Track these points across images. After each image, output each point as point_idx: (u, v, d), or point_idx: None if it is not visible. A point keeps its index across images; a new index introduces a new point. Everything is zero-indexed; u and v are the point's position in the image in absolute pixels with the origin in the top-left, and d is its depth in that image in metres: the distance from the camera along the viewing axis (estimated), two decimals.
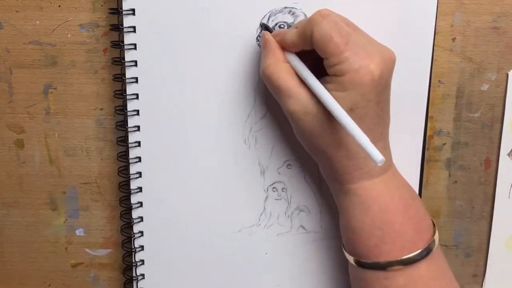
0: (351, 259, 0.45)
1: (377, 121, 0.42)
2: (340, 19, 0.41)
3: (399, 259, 0.42)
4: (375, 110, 0.42)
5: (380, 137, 0.43)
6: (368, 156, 0.39)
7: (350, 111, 0.40)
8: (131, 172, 0.50)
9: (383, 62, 0.41)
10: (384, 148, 0.44)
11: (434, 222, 0.45)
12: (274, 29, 0.47)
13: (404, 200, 0.44)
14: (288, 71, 0.43)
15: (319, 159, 0.45)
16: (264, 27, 0.47)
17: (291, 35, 0.43)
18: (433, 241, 0.44)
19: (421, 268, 0.43)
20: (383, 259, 0.43)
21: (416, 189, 0.50)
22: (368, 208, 0.43)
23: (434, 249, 0.43)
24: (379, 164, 0.38)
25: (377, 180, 0.43)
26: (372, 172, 0.43)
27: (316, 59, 0.42)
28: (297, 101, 0.42)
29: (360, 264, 0.44)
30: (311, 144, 0.44)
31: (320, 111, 0.42)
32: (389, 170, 0.44)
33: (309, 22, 0.41)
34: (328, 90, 0.41)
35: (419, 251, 0.43)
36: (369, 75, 0.40)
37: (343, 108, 0.40)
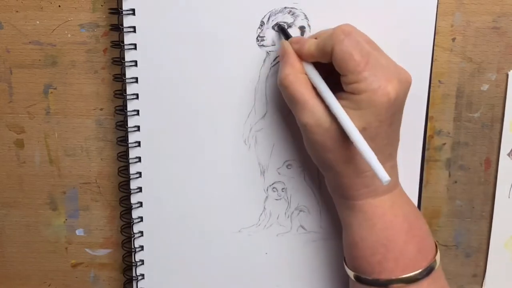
0: (351, 274, 0.45)
1: (387, 142, 0.43)
2: (361, 37, 0.42)
3: (400, 277, 0.42)
4: (387, 131, 0.42)
5: (389, 157, 0.44)
6: (375, 175, 0.39)
7: (363, 130, 0.41)
8: (131, 172, 0.50)
9: (400, 84, 0.41)
10: (392, 167, 0.44)
11: (437, 243, 0.45)
12: (274, 28, 0.47)
13: (409, 219, 0.44)
14: (305, 83, 0.43)
15: (327, 173, 0.45)
16: (281, 30, 0.47)
17: (309, 45, 0.43)
18: (435, 260, 0.44)
19: (422, 287, 0.43)
20: (384, 276, 0.43)
21: (416, 189, 0.50)
22: (373, 225, 0.43)
23: (435, 269, 0.43)
24: (385, 184, 0.38)
25: (383, 198, 0.44)
26: (379, 190, 0.43)
27: (331, 71, 0.42)
28: (312, 113, 0.42)
29: (360, 279, 0.44)
30: (321, 157, 0.44)
31: (333, 126, 0.42)
32: (395, 189, 0.45)
33: (331, 37, 0.41)
34: (343, 106, 0.41)
35: (421, 270, 0.43)
36: (385, 97, 0.40)
37: (356, 126, 0.40)
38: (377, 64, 0.41)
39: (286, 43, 0.45)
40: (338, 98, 0.41)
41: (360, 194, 0.43)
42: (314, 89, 0.43)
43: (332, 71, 0.42)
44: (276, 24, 0.47)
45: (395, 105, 0.41)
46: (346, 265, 0.46)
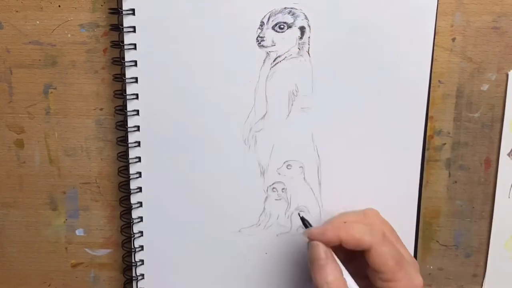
0: None
1: None
2: (393, 238, 0.45)
3: None
4: None
5: None
6: None
7: None
8: (131, 172, 0.50)
9: (420, 276, 0.45)
10: None
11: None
12: (274, 29, 0.47)
13: None
14: (346, 285, 0.44)
15: None
16: (304, 222, 0.48)
17: (338, 234, 0.43)
18: None
19: None
20: None
21: (416, 189, 0.50)
22: None
23: None
24: None
25: None
26: None
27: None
28: None
29: None
30: None
31: None
32: None
33: (370, 234, 0.43)
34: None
35: None
36: None
37: None
38: (406, 264, 0.44)
39: (321, 245, 0.44)
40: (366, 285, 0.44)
41: None
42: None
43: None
44: (301, 217, 0.48)
45: None
46: None
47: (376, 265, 0.43)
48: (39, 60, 0.50)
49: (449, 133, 0.51)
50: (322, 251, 0.44)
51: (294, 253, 0.52)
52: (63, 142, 0.52)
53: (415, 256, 0.51)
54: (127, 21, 0.47)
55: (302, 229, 0.52)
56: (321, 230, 0.44)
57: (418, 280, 0.44)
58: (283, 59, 0.48)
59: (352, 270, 0.44)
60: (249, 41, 0.47)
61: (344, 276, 0.44)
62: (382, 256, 0.43)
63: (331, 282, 0.43)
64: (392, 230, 0.46)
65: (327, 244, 0.44)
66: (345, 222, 0.45)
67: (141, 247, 0.52)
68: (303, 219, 0.47)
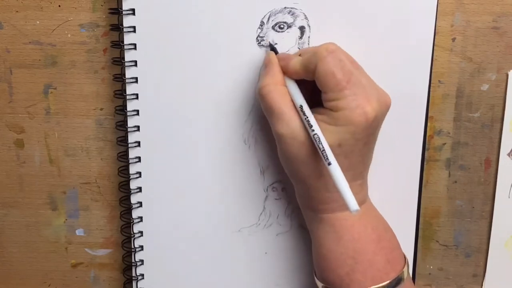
0: (320, 285, 0.46)
1: (360, 159, 0.43)
2: (345, 56, 0.42)
3: None
4: (361, 149, 0.43)
5: (360, 175, 0.44)
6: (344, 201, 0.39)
7: (338, 146, 0.41)
8: (131, 172, 0.50)
9: (379, 105, 0.42)
10: (361, 185, 0.45)
11: (406, 256, 0.46)
12: (274, 29, 0.47)
13: (378, 231, 0.44)
14: (284, 94, 0.44)
15: (298, 185, 0.46)
16: (270, 46, 0.47)
17: (294, 63, 0.44)
18: (403, 272, 0.44)
19: None
20: (353, 287, 0.43)
21: (416, 189, 0.50)
22: (340, 237, 0.44)
23: (403, 280, 0.44)
24: (353, 213, 0.38)
25: None
26: None
27: (314, 90, 0.43)
28: (287, 125, 0.43)
29: None
30: (293, 169, 0.44)
31: (307, 140, 0.42)
32: (364, 203, 0.45)
33: (314, 55, 0.42)
34: (320, 121, 0.42)
35: (389, 281, 0.43)
36: (363, 116, 0.41)
37: (331, 142, 0.41)
38: (358, 84, 0.41)
39: (272, 54, 0.46)
40: (316, 113, 0.42)
41: (329, 208, 0.44)
42: (293, 102, 0.43)
43: (314, 90, 0.43)
44: (269, 44, 0.47)
45: (372, 125, 0.42)
46: (316, 277, 0.47)
47: (319, 83, 0.42)
48: (39, 60, 0.50)
49: (449, 133, 0.51)
50: (269, 57, 0.45)
51: (294, 253, 0.52)
52: (63, 142, 0.52)
53: (415, 256, 0.51)
54: (127, 21, 0.47)
55: (302, 229, 0.52)
56: (285, 55, 0.45)
57: (368, 103, 0.41)
58: None
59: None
60: (249, 41, 0.47)
61: (290, 89, 0.44)
62: (324, 73, 0.41)
63: (267, 85, 0.44)
64: (354, 60, 0.43)
65: (286, 73, 0.44)
66: (299, 55, 0.44)
67: (141, 247, 0.52)
68: (271, 45, 0.47)
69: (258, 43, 0.47)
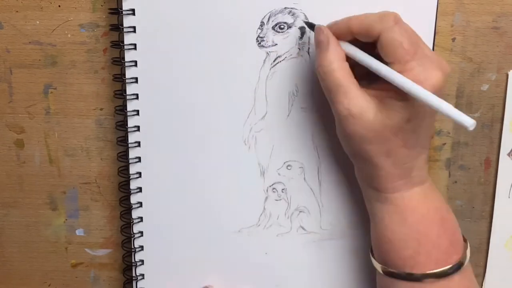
0: (379, 267, 0.45)
1: (427, 133, 0.42)
2: (409, 27, 0.41)
3: (433, 271, 0.42)
4: (428, 122, 0.42)
5: (425, 150, 0.43)
6: (457, 123, 0.38)
7: (407, 121, 0.40)
8: (131, 172, 0.50)
9: (444, 76, 0.40)
10: (426, 160, 0.44)
11: (465, 237, 0.45)
12: (274, 29, 0.47)
13: (441, 212, 0.44)
14: (349, 70, 0.42)
15: (361, 165, 0.44)
16: (308, 25, 0.46)
17: (350, 22, 0.42)
18: (466, 255, 0.43)
19: (454, 281, 0.42)
20: (417, 270, 0.42)
21: None
22: (405, 218, 0.43)
23: (465, 264, 0.43)
24: (471, 129, 0.37)
25: (416, 190, 0.43)
26: (413, 182, 0.43)
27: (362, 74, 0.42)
28: (356, 102, 0.41)
29: (390, 273, 0.44)
30: (357, 149, 0.43)
31: (377, 117, 0.41)
32: (426, 182, 0.44)
33: (380, 21, 0.40)
34: (386, 97, 0.40)
35: (452, 264, 0.42)
36: (431, 88, 0.39)
37: (399, 118, 0.40)
38: (423, 55, 0.40)
39: (325, 28, 0.43)
40: (379, 89, 0.41)
41: (394, 187, 0.43)
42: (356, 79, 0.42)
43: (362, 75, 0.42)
44: (306, 23, 0.46)
45: (439, 96, 0.40)
46: (373, 258, 0.46)
47: (385, 52, 0.40)
48: (39, 60, 0.50)
49: (449, 133, 0.51)
50: (323, 32, 0.42)
51: (294, 254, 0.52)
52: (63, 142, 0.52)
53: None
54: (127, 21, 0.47)
55: (302, 230, 0.52)
56: (331, 23, 0.43)
57: (434, 74, 0.39)
58: (283, 59, 0.48)
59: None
60: (249, 41, 0.47)
61: (353, 52, 0.42)
62: (391, 43, 0.40)
63: (332, 61, 0.41)
64: (415, 31, 0.42)
65: (338, 36, 0.42)
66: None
67: (141, 247, 0.52)
68: (308, 23, 0.46)
69: (258, 43, 0.47)
